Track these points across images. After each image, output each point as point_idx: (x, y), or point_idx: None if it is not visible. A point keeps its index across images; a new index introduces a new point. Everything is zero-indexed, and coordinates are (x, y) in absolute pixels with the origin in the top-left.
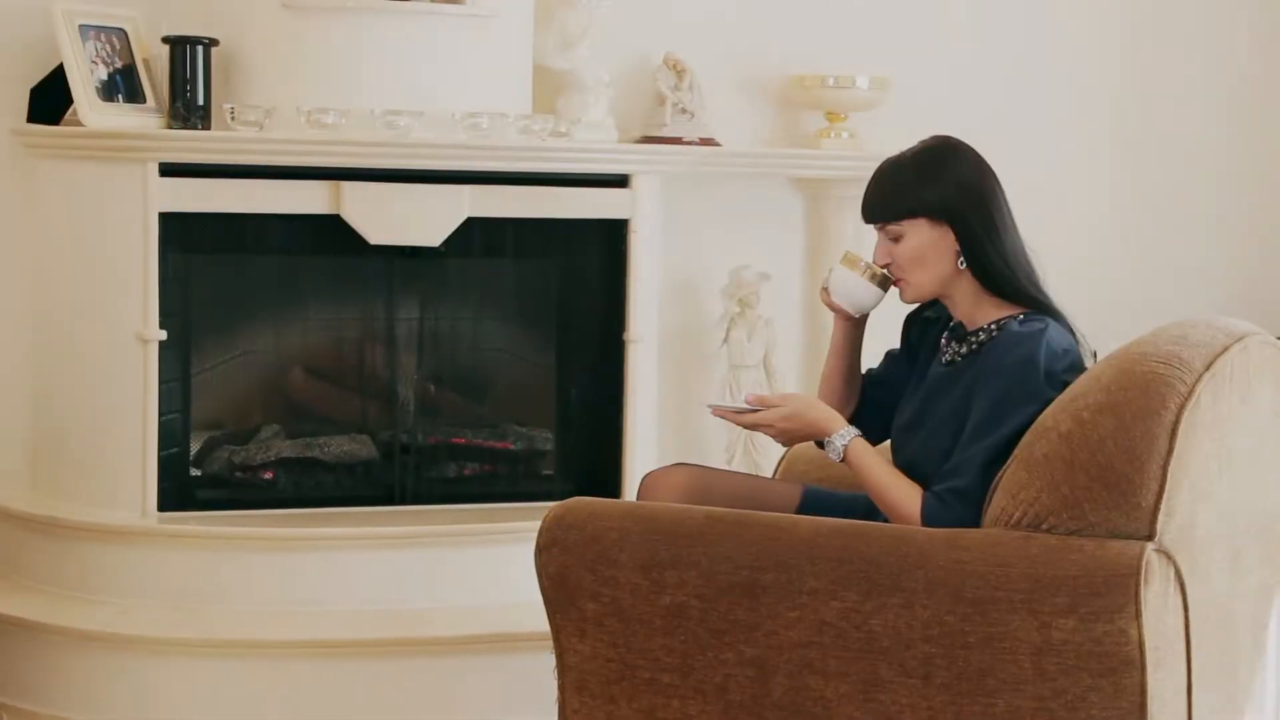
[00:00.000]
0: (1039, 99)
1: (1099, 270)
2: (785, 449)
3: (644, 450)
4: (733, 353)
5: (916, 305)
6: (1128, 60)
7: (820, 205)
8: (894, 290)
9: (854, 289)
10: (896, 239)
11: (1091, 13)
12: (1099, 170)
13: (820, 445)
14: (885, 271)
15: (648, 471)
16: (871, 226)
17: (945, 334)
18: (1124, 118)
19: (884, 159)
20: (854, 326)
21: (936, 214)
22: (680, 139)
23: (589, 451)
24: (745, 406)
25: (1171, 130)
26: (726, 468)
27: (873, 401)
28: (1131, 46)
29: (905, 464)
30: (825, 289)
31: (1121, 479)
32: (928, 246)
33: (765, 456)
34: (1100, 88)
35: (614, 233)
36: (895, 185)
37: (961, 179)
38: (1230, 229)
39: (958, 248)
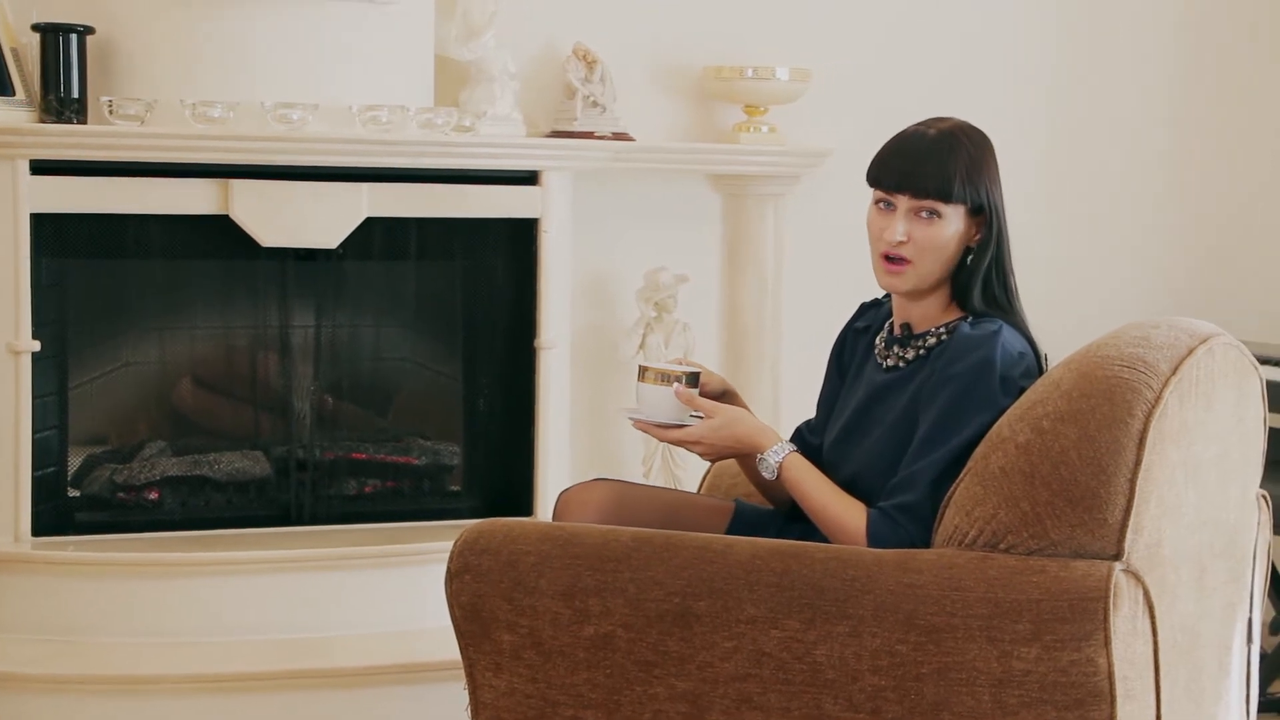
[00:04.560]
0: (967, 89)
1: (1030, 270)
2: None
3: (557, 464)
4: (649, 359)
5: (850, 325)
6: (1059, 50)
7: (739, 203)
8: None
9: (666, 400)
10: (932, 216)
11: (1022, 1)
12: (1028, 164)
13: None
14: (685, 368)
15: (565, 488)
16: (879, 193)
17: (883, 337)
18: (1055, 110)
19: (916, 129)
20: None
21: (982, 207)
22: (591, 133)
23: (498, 466)
24: (670, 421)
25: (1106, 122)
26: (645, 482)
27: (819, 449)
28: (1063, 37)
29: (845, 480)
30: (636, 419)
31: (1086, 493)
32: (956, 236)
33: (685, 469)
34: (1031, 78)
35: (523, 233)
36: (960, 164)
37: (998, 178)
38: (1168, 227)
39: (971, 245)
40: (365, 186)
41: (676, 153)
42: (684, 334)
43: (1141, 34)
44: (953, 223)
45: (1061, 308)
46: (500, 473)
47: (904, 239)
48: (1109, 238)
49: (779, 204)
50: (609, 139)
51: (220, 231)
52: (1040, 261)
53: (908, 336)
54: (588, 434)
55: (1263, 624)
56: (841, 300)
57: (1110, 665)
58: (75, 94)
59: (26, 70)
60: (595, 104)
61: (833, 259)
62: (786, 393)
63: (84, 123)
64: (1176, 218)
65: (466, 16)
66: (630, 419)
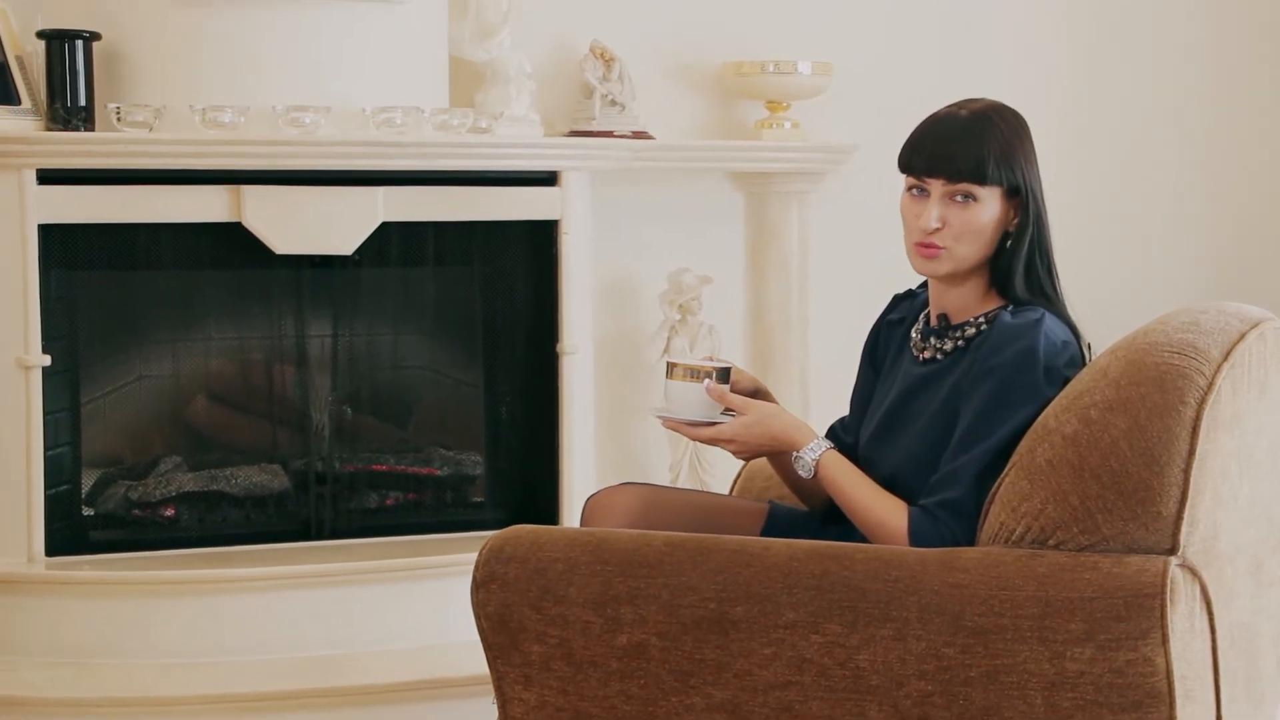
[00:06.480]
0: (994, 79)
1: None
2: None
3: (582, 472)
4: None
5: (883, 318)
6: (1086, 37)
7: (763, 201)
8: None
9: (697, 397)
10: (967, 200)
11: None
12: (1048, 154)
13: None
14: (715, 363)
15: (592, 493)
16: (909, 178)
17: (919, 329)
18: (1084, 96)
19: (947, 111)
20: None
21: (1019, 189)
22: (610, 133)
23: (522, 475)
24: (702, 419)
25: (1135, 106)
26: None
27: (854, 448)
28: (1092, 23)
29: (884, 478)
30: (664, 417)
31: (1139, 485)
32: (993, 220)
33: (712, 474)
34: (1058, 66)
35: (542, 235)
36: (993, 145)
37: (1034, 159)
38: (1194, 214)
39: (1009, 229)
40: (380, 190)
41: (698, 151)
42: (710, 336)
43: (1169, 16)
44: (989, 206)
45: (1087, 297)
46: (524, 482)
47: (939, 225)
48: (1133, 225)
49: (803, 201)
50: (628, 138)
51: (232, 239)
52: (1065, 249)
53: (945, 327)
54: (612, 441)
55: None
56: (870, 299)
57: (1169, 664)
58: (82, 101)
59: (32, 78)
60: (614, 103)
61: (860, 257)
62: (815, 395)
63: (91, 130)
64: (1203, 205)
65: (480, 16)
66: (659, 418)
